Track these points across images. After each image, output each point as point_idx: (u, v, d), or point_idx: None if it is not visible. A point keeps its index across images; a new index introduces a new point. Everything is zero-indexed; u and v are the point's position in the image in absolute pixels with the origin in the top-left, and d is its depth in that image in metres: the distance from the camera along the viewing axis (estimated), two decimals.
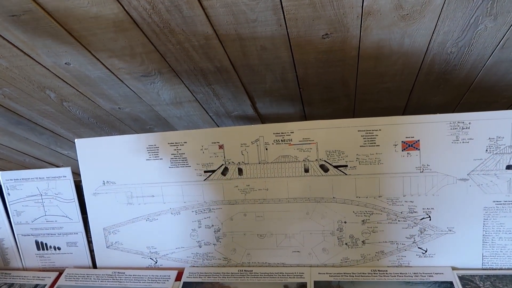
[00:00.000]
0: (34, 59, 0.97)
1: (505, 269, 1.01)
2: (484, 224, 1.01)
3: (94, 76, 1.06)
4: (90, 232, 1.22)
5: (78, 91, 1.15)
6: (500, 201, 0.99)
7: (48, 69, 1.02)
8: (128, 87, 1.12)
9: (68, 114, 1.31)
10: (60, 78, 1.07)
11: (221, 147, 1.09)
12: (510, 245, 1.00)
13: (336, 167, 1.04)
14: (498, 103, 1.17)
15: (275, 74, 1.05)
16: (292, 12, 0.80)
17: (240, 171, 1.09)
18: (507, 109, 1.20)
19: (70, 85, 1.11)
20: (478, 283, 0.99)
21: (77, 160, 1.75)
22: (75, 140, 1.19)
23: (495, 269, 1.02)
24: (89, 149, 1.15)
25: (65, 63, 0.99)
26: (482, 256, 1.02)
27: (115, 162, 1.14)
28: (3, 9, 0.78)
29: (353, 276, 1.05)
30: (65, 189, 1.19)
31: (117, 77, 1.06)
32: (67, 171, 1.18)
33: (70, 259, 1.25)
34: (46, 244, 1.25)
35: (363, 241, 1.07)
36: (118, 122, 1.39)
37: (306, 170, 1.05)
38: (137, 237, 1.19)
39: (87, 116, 1.33)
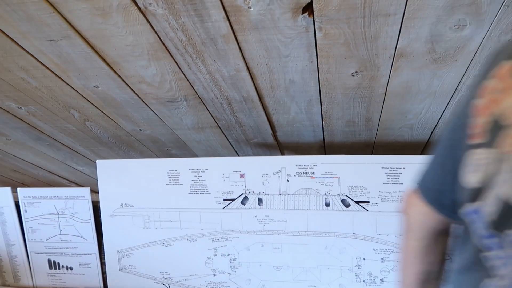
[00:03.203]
0: (64, 81, 0.98)
1: None
2: None
3: (120, 99, 1.07)
4: (104, 253, 1.21)
5: (102, 112, 1.16)
6: None
7: (76, 90, 1.03)
8: (153, 111, 1.13)
9: (88, 133, 1.32)
10: (86, 99, 1.08)
11: (242, 176, 1.09)
12: None
13: (357, 202, 1.03)
14: None
15: (300, 107, 1.05)
16: (325, 50, 0.81)
17: (260, 201, 1.09)
18: None
19: (95, 106, 1.12)
20: None
21: (91, 177, 1.75)
22: (97, 161, 1.19)
23: None
24: (110, 171, 1.16)
25: (94, 86, 1.00)
26: None
27: (134, 185, 1.15)
28: (42, 34, 0.80)
29: None
30: (83, 209, 1.19)
31: (143, 101, 1.07)
32: (86, 192, 1.19)
33: (81, 280, 1.24)
34: (58, 263, 1.25)
35: (381, 279, 1.06)
36: (137, 143, 1.39)
37: (327, 204, 1.05)
38: (151, 262, 1.18)
39: (107, 136, 1.34)
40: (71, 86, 1.01)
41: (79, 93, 1.05)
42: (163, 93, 1.02)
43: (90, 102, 1.10)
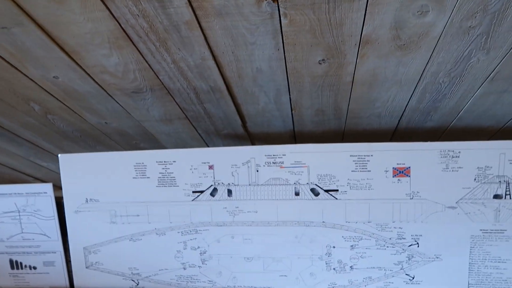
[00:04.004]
0: (21, 71, 0.93)
1: None
2: (470, 252, 1.02)
3: (83, 91, 1.03)
4: (69, 251, 1.17)
5: (64, 104, 1.11)
6: (487, 230, 1.01)
7: (35, 81, 0.98)
8: (118, 102, 1.09)
9: (51, 127, 1.26)
10: (46, 91, 1.03)
11: (211, 167, 1.07)
12: (496, 273, 1.02)
13: (327, 191, 1.04)
14: (483, 132, 1.20)
15: (269, 96, 1.05)
16: (291, 37, 0.80)
17: (229, 192, 1.07)
18: (490, 138, 1.23)
19: (56, 98, 1.07)
20: None
21: (57, 173, 1.69)
22: (59, 155, 1.14)
23: None
24: (73, 165, 1.12)
25: (54, 77, 0.96)
26: (468, 284, 1.03)
27: (99, 179, 1.11)
28: None
29: None
30: (45, 206, 1.14)
31: (107, 93, 1.04)
32: (48, 187, 1.14)
33: (46, 279, 1.20)
34: (21, 263, 1.19)
35: (351, 266, 1.07)
36: (104, 137, 1.35)
37: (297, 194, 1.05)
38: (119, 258, 1.15)
39: (72, 130, 1.29)
40: (28, 77, 0.97)
41: (38, 85, 1.00)
42: (128, 83, 0.99)
43: (50, 94, 1.05)
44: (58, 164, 1.56)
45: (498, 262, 1.01)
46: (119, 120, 1.22)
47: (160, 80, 0.98)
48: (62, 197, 1.13)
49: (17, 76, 0.95)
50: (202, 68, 0.91)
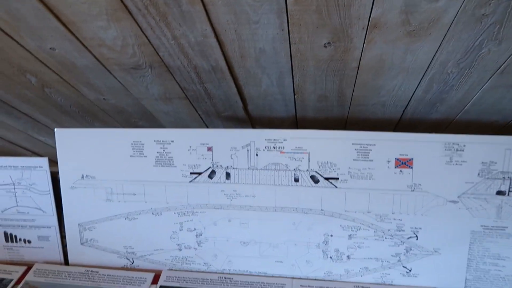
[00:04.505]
0: (16, 41, 0.91)
1: None
2: (470, 247, 1.00)
3: (80, 64, 1.00)
4: (64, 227, 1.16)
5: (61, 78, 1.08)
6: (488, 226, 0.99)
7: (31, 52, 0.95)
8: (116, 78, 1.06)
9: (48, 101, 1.24)
10: (43, 63, 1.00)
11: (210, 149, 1.05)
12: (494, 270, 1.00)
13: (327, 179, 1.02)
14: (489, 127, 1.17)
15: (271, 78, 1.02)
16: (297, 17, 0.77)
17: (227, 175, 1.06)
18: (496, 133, 1.20)
19: (53, 71, 1.05)
20: None
21: (54, 148, 1.68)
22: (55, 129, 1.13)
23: None
24: (70, 140, 1.10)
25: (50, 48, 0.93)
26: (466, 280, 1.02)
27: (96, 156, 1.09)
28: None
29: None
30: (41, 180, 1.13)
31: (105, 67, 1.01)
32: (43, 162, 1.12)
33: (40, 253, 1.19)
34: (15, 236, 1.19)
35: (348, 256, 1.05)
36: (102, 113, 1.33)
37: (296, 180, 1.03)
38: (114, 236, 1.14)
39: (69, 104, 1.27)
40: (24, 48, 0.94)
41: (34, 56, 0.98)
42: (126, 58, 0.96)
43: (47, 66, 1.03)
44: (55, 139, 1.55)
45: (497, 259, 0.99)
46: (118, 97, 1.19)
47: (160, 57, 0.95)
48: (58, 172, 1.12)
49: (13, 46, 0.93)
50: (203, 45, 0.88)
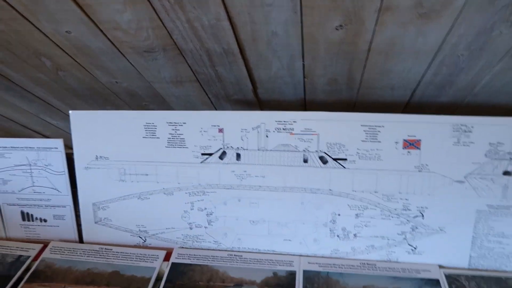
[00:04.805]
0: (33, 24, 0.92)
1: (490, 270, 1.04)
2: (475, 226, 1.03)
3: (94, 47, 1.02)
4: (78, 206, 1.19)
5: (75, 61, 1.10)
6: (493, 205, 1.01)
7: (47, 36, 0.97)
8: (129, 61, 1.08)
9: (62, 84, 1.26)
10: (58, 46, 1.02)
11: (220, 130, 1.07)
12: (498, 248, 1.03)
13: (335, 159, 1.04)
14: (497, 110, 1.18)
15: (282, 62, 1.03)
16: (310, 0, 0.78)
17: (238, 156, 1.08)
18: (505, 115, 1.21)
19: (68, 54, 1.07)
20: (463, 282, 1.01)
21: (66, 132, 1.70)
22: (70, 111, 1.15)
23: (481, 270, 1.05)
24: (84, 122, 1.12)
25: (66, 31, 0.95)
26: (470, 257, 1.05)
27: (110, 137, 1.12)
28: None
29: (342, 268, 1.07)
30: (56, 161, 1.16)
31: (119, 51, 1.03)
32: (59, 143, 1.15)
33: (56, 232, 1.23)
34: (32, 215, 1.23)
35: (354, 234, 1.08)
36: (113, 96, 1.35)
37: (305, 161, 1.05)
38: (127, 215, 1.17)
39: (82, 87, 1.29)
40: (41, 31, 0.96)
41: (50, 39, 0.99)
42: (140, 41, 0.98)
43: (62, 49, 1.05)
44: (67, 123, 1.57)
45: (502, 237, 1.02)
46: (130, 80, 1.21)
47: (173, 40, 0.96)
48: (72, 153, 1.14)
49: (30, 29, 0.94)
50: (217, 29, 0.90)
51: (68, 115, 1.16)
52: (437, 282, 1.02)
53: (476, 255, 1.04)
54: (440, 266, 1.06)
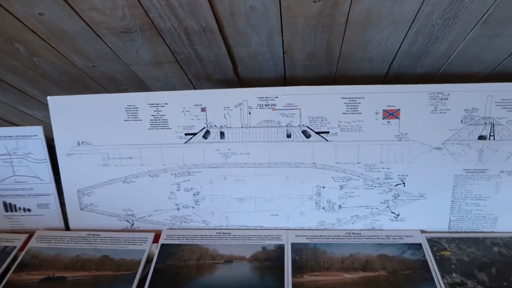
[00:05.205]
0: (3, 7, 0.90)
1: (469, 232, 1.09)
2: (453, 190, 1.07)
3: (69, 30, 1.00)
4: (63, 193, 1.18)
5: (50, 45, 1.08)
6: (470, 170, 1.05)
7: (19, 19, 0.94)
8: (106, 43, 1.06)
9: (37, 70, 1.23)
10: (31, 30, 0.99)
11: (203, 109, 1.07)
12: (475, 210, 1.08)
13: (318, 133, 1.06)
14: (471, 78, 1.22)
15: (261, 37, 1.03)
16: None
17: (222, 134, 1.08)
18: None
19: (42, 38, 1.04)
20: (444, 245, 1.06)
21: (44, 122, 1.67)
22: (48, 97, 1.13)
23: (460, 232, 1.09)
24: (63, 108, 1.10)
25: (39, 14, 0.92)
26: (449, 220, 1.09)
27: (91, 122, 1.10)
28: None
29: (328, 239, 1.10)
30: (36, 149, 1.14)
31: (95, 32, 1.01)
32: (38, 130, 1.13)
33: (41, 221, 1.22)
34: (15, 205, 1.21)
35: (339, 206, 1.11)
36: (91, 81, 1.32)
37: (289, 136, 1.06)
38: (113, 199, 1.17)
39: (58, 73, 1.26)
40: (12, 14, 0.93)
41: (22, 23, 0.97)
42: (116, 22, 0.96)
43: (36, 33, 1.02)
44: (45, 112, 1.54)
45: (479, 199, 1.07)
46: (107, 64, 1.19)
47: (150, 19, 0.95)
48: (52, 140, 1.13)
49: (0, 13, 0.91)
50: (194, 5, 0.89)
51: (45, 104, 1.14)
52: (419, 246, 1.06)
53: (455, 218, 1.09)
54: (422, 231, 1.10)
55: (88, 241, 1.16)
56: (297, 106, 1.04)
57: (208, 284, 1.00)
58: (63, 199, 1.18)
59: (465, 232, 1.09)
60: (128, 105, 1.08)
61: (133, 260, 1.09)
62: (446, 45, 1.04)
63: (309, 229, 1.13)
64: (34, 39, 1.04)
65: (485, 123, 1.01)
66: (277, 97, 1.04)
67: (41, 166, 1.15)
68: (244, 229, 1.15)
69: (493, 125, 1.01)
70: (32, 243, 1.16)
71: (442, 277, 0.97)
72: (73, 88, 1.38)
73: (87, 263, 1.09)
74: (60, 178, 1.16)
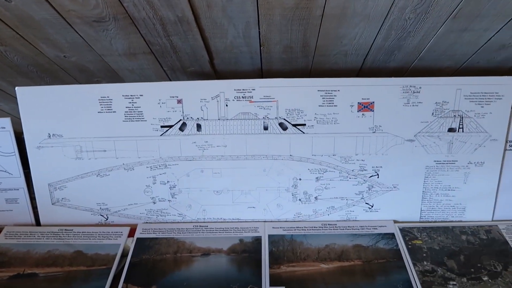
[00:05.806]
0: None
1: (439, 221, 1.13)
2: (424, 181, 1.10)
3: (38, 18, 0.96)
4: (33, 188, 1.14)
5: (18, 34, 1.03)
6: (440, 161, 1.09)
7: None
8: (77, 32, 1.03)
9: (4, 60, 1.18)
10: None
11: (179, 101, 1.06)
12: (445, 200, 1.11)
13: (294, 125, 1.07)
14: (442, 72, 1.26)
15: (238, 29, 1.03)
16: None
17: (198, 127, 1.08)
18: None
19: (9, 26, 1.00)
20: (416, 234, 1.09)
21: (11, 114, 1.61)
22: (16, 88, 1.09)
23: (430, 221, 1.13)
24: (33, 99, 1.07)
25: (6, 0, 0.89)
26: (421, 211, 1.13)
27: (62, 113, 1.07)
28: None
29: (305, 230, 1.11)
30: (4, 142, 1.10)
31: (66, 21, 0.97)
32: (6, 122, 1.09)
33: (9, 216, 1.18)
34: None
35: (315, 197, 1.13)
36: (62, 73, 1.28)
37: (266, 128, 1.07)
38: (86, 193, 1.14)
39: (26, 64, 1.22)
40: None
41: None
42: (89, 10, 0.93)
43: (2, 21, 0.98)
44: (12, 104, 1.48)
45: (448, 190, 1.10)
46: (79, 54, 1.16)
47: (124, 8, 0.93)
48: (22, 133, 1.09)
49: None
50: None
51: (13, 96, 1.09)
52: (392, 235, 1.09)
53: (426, 208, 1.12)
54: (395, 221, 1.13)
55: (60, 236, 1.13)
56: (274, 98, 1.04)
57: (186, 277, 0.99)
58: (33, 193, 1.15)
59: (435, 221, 1.13)
60: (102, 97, 1.06)
61: (108, 254, 1.07)
62: (418, 40, 1.07)
63: (286, 221, 1.14)
64: (1, 27, 1.00)
65: (455, 115, 1.04)
66: (254, 89, 1.04)
67: (10, 160, 1.11)
68: (222, 221, 1.15)
69: (462, 117, 1.05)
70: (0, 239, 1.12)
71: (414, 265, 1.00)
72: (42, 79, 1.33)
73: (60, 259, 1.07)
74: (30, 171, 1.12)
